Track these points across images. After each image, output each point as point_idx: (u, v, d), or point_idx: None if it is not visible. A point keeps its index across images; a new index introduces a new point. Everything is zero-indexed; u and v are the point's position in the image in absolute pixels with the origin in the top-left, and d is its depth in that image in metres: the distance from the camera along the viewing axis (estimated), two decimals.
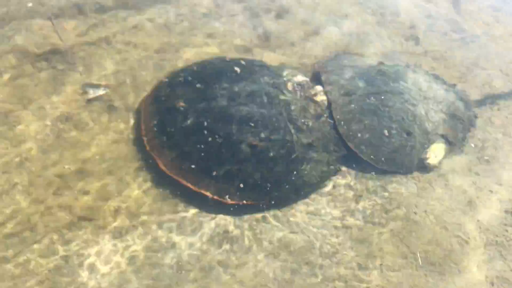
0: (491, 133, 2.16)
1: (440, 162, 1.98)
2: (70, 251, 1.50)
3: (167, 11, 2.38)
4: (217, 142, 1.55)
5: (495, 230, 1.87)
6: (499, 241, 1.85)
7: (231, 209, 1.59)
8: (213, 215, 1.61)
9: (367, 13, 2.69)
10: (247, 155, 1.54)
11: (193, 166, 1.52)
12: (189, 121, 1.59)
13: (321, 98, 1.87)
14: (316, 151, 1.67)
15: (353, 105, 1.89)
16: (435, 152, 1.99)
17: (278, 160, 1.56)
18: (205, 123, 1.58)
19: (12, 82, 1.89)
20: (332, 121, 1.83)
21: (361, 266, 1.64)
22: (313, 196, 1.70)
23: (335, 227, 1.68)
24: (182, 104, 1.65)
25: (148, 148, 1.59)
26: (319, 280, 1.57)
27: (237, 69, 1.82)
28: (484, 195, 1.97)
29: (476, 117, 2.19)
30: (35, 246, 1.48)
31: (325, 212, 1.70)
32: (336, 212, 1.72)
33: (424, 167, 1.96)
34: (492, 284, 1.72)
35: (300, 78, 1.92)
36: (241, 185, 1.54)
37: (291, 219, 1.65)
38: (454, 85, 2.24)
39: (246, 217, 1.62)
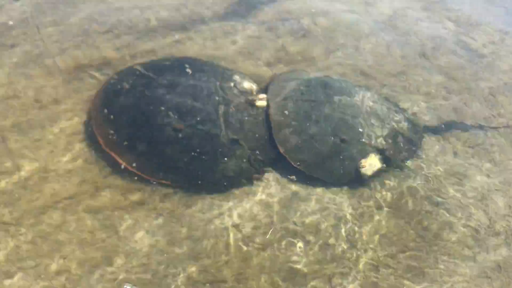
0: (432, 159, 2.13)
1: (373, 173, 1.99)
2: None
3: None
4: (148, 123, 1.78)
5: None
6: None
7: (153, 183, 1.78)
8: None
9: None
10: (171, 137, 1.75)
11: (125, 143, 1.77)
12: (126, 103, 1.85)
13: (261, 103, 2.01)
14: (241, 148, 1.81)
15: (287, 111, 1.96)
16: (370, 163, 1.99)
17: (199, 147, 1.75)
18: (140, 106, 1.83)
19: None
20: (268, 126, 1.94)
21: None
22: (236, 192, 1.78)
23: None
24: (126, 86, 1.92)
25: (94, 127, 1.87)
26: None
27: (186, 66, 2.06)
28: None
29: (420, 140, 2.20)
30: None
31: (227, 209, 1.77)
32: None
33: (358, 177, 1.98)
34: None
35: (246, 84, 2.08)
36: (158, 163, 1.74)
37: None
38: (405, 110, 2.32)
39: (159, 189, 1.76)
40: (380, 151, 2.02)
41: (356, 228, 1.76)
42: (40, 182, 1.73)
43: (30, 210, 1.66)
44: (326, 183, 1.88)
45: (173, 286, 1.60)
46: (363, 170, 1.96)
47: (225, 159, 1.73)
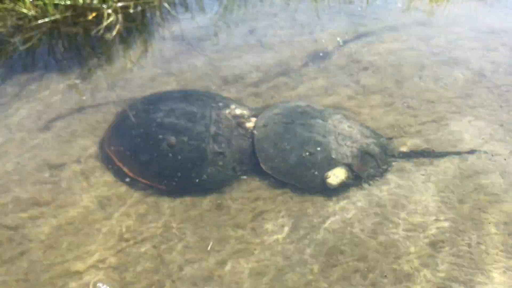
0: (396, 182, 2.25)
1: (339, 184, 2.19)
2: None
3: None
4: (148, 140, 2.22)
5: None
6: None
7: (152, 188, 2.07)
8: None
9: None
10: (167, 151, 2.17)
11: (129, 154, 2.18)
12: (133, 127, 2.29)
13: (250, 125, 2.42)
14: (225, 160, 2.22)
15: (267, 131, 2.38)
16: (335, 174, 2.25)
17: (189, 158, 2.17)
18: (142, 128, 2.27)
19: None
20: (250, 142, 2.34)
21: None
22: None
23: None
24: (134, 113, 2.36)
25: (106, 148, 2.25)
26: None
27: (186, 96, 2.53)
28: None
29: (388, 164, 2.38)
30: None
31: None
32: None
33: (326, 187, 2.20)
34: None
35: (239, 110, 2.50)
36: (157, 171, 2.13)
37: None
38: (381, 136, 2.52)
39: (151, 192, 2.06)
40: (346, 166, 2.30)
41: None
42: None
43: None
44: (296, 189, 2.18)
45: None
46: (328, 180, 2.22)
47: (210, 167, 2.18)
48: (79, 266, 1.76)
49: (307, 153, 2.31)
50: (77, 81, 2.65)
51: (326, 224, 2.03)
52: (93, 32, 2.97)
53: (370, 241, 1.93)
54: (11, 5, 2.90)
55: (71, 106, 2.49)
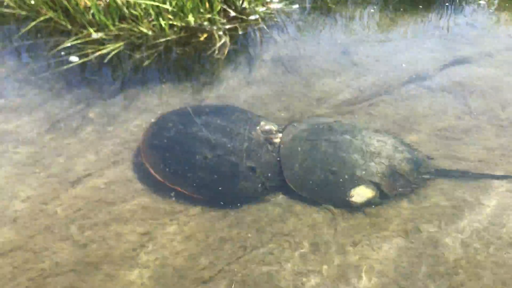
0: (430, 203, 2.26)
1: (364, 203, 2.22)
2: None
3: None
4: (185, 154, 2.34)
5: None
6: None
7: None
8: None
9: None
10: (204, 164, 2.30)
11: (169, 170, 2.29)
12: (170, 140, 2.41)
13: (277, 141, 2.50)
14: (256, 174, 2.32)
15: (292, 147, 2.43)
16: (360, 193, 2.25)
17: (223, 172, 2.29)
18: (180, 141, 2.40)
19: None
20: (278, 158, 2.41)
21: None
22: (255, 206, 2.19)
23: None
24: (170, 124, 2.48)
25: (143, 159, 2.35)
26: None
27: (219, 111, 2.67)
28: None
29: (421, 181, 2.38)
30: None
31: None
32: None
33: (348, 203, 2.23)
34: None
35: (268, 126, 2.58)
36: (196, 183, 2.25)
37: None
38: (415, 150, 2.53)
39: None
40: (372, 184, 2.29)
41: None
42: None
43: None
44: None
45: None
46: (352, 198, 2.23)
47: (243, 181, 2.29)
48: None
49: (331, 171, 2.34)
50: (188, 95, 2.84)
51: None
52: (203, 52, 3.18)
53: None
54: (132, 25, 3.16)
55: None
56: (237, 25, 3.40)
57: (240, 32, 3.41)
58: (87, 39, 3.12)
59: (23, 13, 3.36)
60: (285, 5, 3.82)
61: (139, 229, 2.05)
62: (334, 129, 2.56)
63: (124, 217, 2.09)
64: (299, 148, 2.45)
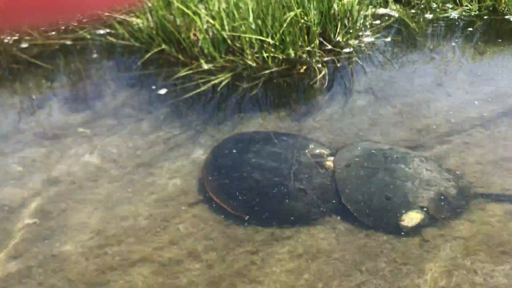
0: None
1: (414, 228, 2.31)
2: None
3: None
4: (238, 178, 2.50)
5: None
6: None
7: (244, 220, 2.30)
8: None
9: None
10: (256, 186, 2.45)
11: (223, 191, 2.46)
12: (226, 163, 2.61)
13: (328, 164, 2.61)
14: (306, 196, 2.42)
15: (349, 173, 2.55)
16: (410, 217, 2.36)
17: (275, 193, 2.42)
18: (234, 166, 2.58)
19: None
20: (333, 182, 2.53)
21: None
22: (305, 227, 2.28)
23: None
24: (226, 151, 2.67)
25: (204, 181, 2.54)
26: None
27: (271, 137, 2.83)
28: None
29: (463, 205, 2.48)
30: None
31: None
32: None
33: (399, 228, 2.32)
34: None
35: (318, 150, 2.71)
36: (248, 205, 2.38)
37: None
38: (459, 174, 2.64)
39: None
40: (422, 209, 2.40)
41: None
42: None
43: None
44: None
45: None
46: (402, 223, 2.33)
47: (292, 202, 2.40)
48: None
49: (387, 197, 2.47)
50: (287, 123, 3.03)
51: None
52: (302, 83, 3.40)
53: None
54: (238, 57, 3.44)
55: None
56: (332, 57, 3.60)
57: (335, 64, 3.61)
58: (198, 69, 3.42)
59: (136, 44, 3.72)
60: (376, 38, 3.98)
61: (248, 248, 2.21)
62: (388, 157, 2.70)
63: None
64: (356, 174, 2.59)
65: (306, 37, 3.49)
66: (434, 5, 4.66)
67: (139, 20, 3.72)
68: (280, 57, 3.43)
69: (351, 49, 3.78)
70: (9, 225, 2.32)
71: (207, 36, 3.40)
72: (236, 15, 3.40)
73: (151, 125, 3.04)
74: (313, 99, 3.32)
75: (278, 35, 3.34)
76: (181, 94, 3.29)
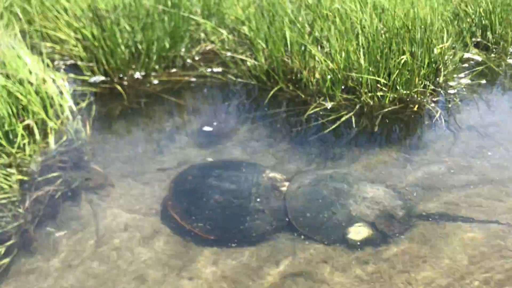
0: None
1: (361, 241, 2.53)
2: None
3: None
4: (197, 197, 2.80)
5: None
6: None
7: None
8: None
9: None
10: (215, 206, 2.74)
11: (186, 212, 2.74)
12: (189, 186, 2.89)
13: (283, 188, 2.92)
14: (263, 215, 2.71)
15: (297, 193, 2.83)
16: (356, 231, 2.57)
17: (233, 213, 2.70)
18: (196, 188, 2.88)
19: None
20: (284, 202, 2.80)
21: None
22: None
23: None
24: (190, 177, 2.95)
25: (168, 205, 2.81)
26: None
27: (231, 165, 3.13)
28: None
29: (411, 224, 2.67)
30: None
31: None
32: None
33: (346, 241, 2.55)
34: None
35: (273, 174, 3.02)
36: (204, 223, 2.65)
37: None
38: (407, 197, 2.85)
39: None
40: (370, 224, 2.63)
41: None
42: None
43: None
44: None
45: None
46: (349, 236, 2.55)
47: (252, 222, 2.67)
48: None
49: (331, 213, 2.71)
50: (399, 157, 3.29)
51: None
52: (415, 120, 3.69)
53: None
54: (355, 95, 3.76)
55: None
56: (437, 97, 3.91)
57: (445, 104, 3.91)
58: (321, 107, 3.74)
59: (252, 82, 4.07)
60: (471, 80, 4.29)
61: None
62: (334, 178, 3.00)
63: None
64: (303, 194, 2.88)
65: (416, 79, 3.81)
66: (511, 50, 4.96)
67: (253, 61, 4.06)
68: (393, 96, 3.74)
69: (453, 90, 4.09)
70: None
71: (328, 77, 3.73)
72: (353, 58, 3.72)
73: (277, 158, 3.30)
74: (423, 135, 3.60)
75: (392, 76, 3.65)
76: (318, 130, 3.58)
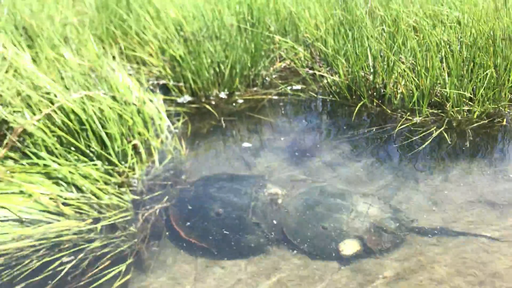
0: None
1: (353, 255, 2.56)
2: None
3: None
4: (198, 210, 2.89)
5: None
6: None
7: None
8: None
9: None
10: (215, 218, 2.83)
11: (187, 223, 2.85)
12: (187, 199, 2.98)
13: (280, 202, 2.96)
14: (261, 230, 2.77)
15: (291, 207, 2.88)
16: (347, 246, 2.60)
17: (233, 225, 2.78)
18: (196, 199, 2.98)
19: None
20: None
21: None
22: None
23: None
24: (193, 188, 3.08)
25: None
26: None
27: (234, 177, 3.21)
28: None
29: (400, 239, 2.68)
30: None
31: None
32: None
33: (338, 255, 2.58)
34: None
35: (273, 189, 3.07)
36: (201, 232, 2.74)
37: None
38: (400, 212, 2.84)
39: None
40: (359, 238, 2.65)
41: None
42: None
43: None
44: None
45: None
46: (341, 250, 2.57)
47: (249, 235, 2.73)
48: None
49: (323, 227, 2.74)
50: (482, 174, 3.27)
51: None
52: (505, 135, 3.69)
53: None
54: (440, 110, 3.79)
55: None
56: None
57: None
58: (410, 123, 3.79)
59: (332, 98, 4.14)
60: None
61: None
62: (327, 192, 3.04)
63: None
64: (297, 208, 2.92)
65: (504, 92, 3.82)
66: None
67: (333, 76, 4.15)
68: (480, 110, 3.76)
69: None
70: None
71: (416, 92, 3.78)
72: (438, 73, 3.76)
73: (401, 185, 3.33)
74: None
75: (479, 91, 3.67)
76: (411, 146, 3.63)
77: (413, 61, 3.93)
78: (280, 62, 4.66)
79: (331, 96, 4.23)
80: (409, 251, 2.72)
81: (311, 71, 4.42)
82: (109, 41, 4.43)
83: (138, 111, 3.43)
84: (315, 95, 4.29)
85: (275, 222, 2.86)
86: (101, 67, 3.32)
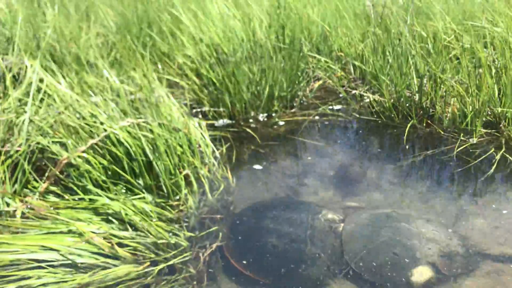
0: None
1: (426, 283, 2.38)
2: None
3: None
4: (254, 244, 2.73)
5: None
6: None
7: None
8: None
9: None
10: (272, 251, 2.65)
11: (244, 259, 2.67)
12: (241, 232, 2.82)
13: (339, 229, 2.75)
14: (322, 261, 2.58)
15: (354, 234, 2.66)
16: (419, 273, 2.43)
17: (291, 258, 2.60)
18: (251, 232, 2.82)
19: None
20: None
21: None
22: None
23: None
24: (245, 219, 2.90)
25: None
26: None
27: (287, 204, 3.03)
28: None
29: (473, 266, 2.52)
30: None
31: None
32: None
33: (408, 283, 2.40)
34: None
35: (330, 215, 2.88)
36: (264, 268, 2.57)
37: None
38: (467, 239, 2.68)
39: None
40: (431, 265, 2.48)
41: None
42: None
43: None
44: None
45: None
46: (412, 278, 2.40)
47: (309, 267, 2.55)
48: None
49: (393, 254, 2.54)
50: None
51: None
52: None
53: None
54: (493, 130, 3.64)
55: None
56: None
57: None
58: (466, 144, 3.63)
59: (377, 118, 3.98)
60: None
61: None
62: (392, 218, 2.83)
63: None
64: (361, 235, 2.72)
65: None
66: None
67: (375, 96, 3.98)
68: None
69: None
70: None
71: (470, 113, 3.62)
72: (490, 92, 3.62)
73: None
74: None
75: None
76: (471, 169, 3.45)
77: (462, 79, 3.77)
78: (317, 81, 4.48)
79: (375, 116, 4.05)
80: (485, 280, 2.51)
81: (352, 91, 4.23)
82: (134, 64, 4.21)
83: (187, 138, 3.20)
84: (357, 115, 4.12)
85: (336, 251, 2.67)
86: (150, 92, 3.09)
